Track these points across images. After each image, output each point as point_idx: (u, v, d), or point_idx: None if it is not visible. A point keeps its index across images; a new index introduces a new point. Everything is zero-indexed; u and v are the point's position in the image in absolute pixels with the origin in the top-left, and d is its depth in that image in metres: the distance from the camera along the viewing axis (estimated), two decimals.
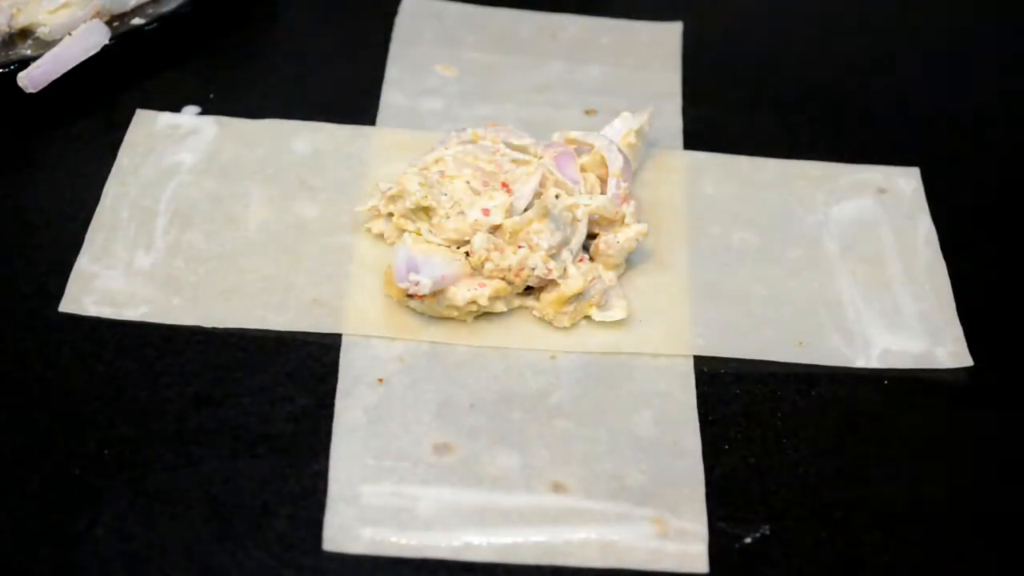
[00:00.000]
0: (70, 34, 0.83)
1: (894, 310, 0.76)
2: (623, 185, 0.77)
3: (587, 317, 0.74)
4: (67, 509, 0.63)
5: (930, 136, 0.88)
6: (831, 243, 0.79)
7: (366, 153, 0.83)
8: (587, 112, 0.87)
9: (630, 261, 0.76)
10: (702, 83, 0.91)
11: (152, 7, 0.88)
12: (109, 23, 0.86)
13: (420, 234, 0.73)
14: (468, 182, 0.75)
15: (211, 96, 0.86)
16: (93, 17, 0.85)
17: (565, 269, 0.73)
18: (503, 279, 0.72)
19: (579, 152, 0.79)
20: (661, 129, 0.86)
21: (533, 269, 0.72)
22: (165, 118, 0.84)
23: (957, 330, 0.75)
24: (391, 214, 0.76)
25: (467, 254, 0.72)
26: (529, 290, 0.74)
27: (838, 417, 0.70)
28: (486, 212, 0.73)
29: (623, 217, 0.76)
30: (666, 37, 0.95)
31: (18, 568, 0.61)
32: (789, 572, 0.64)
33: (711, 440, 0.69)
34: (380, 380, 0.70)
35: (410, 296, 0.71)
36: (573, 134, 0.80)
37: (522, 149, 0.78)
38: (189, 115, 0.85)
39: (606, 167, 0.77)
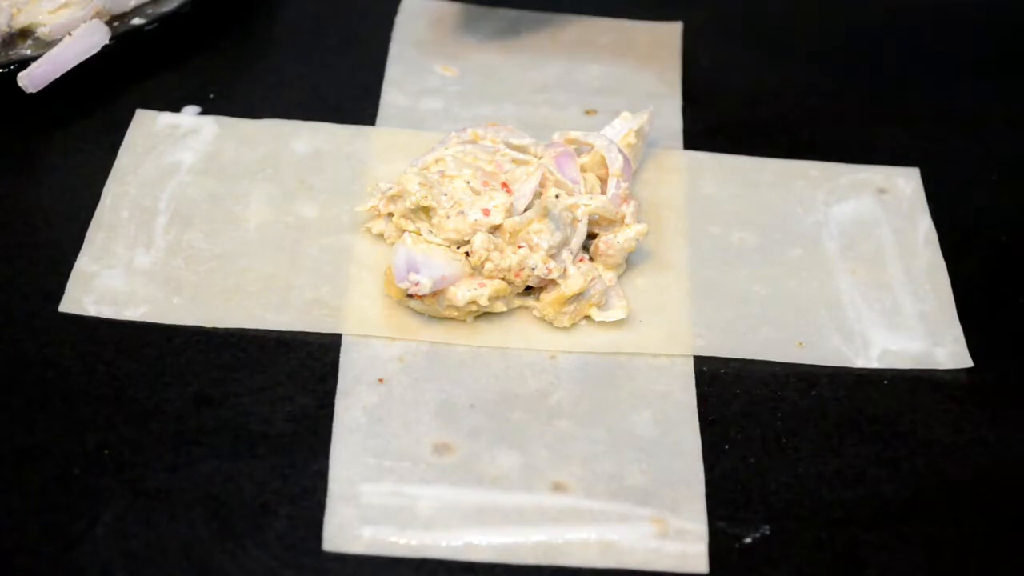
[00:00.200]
0: (70, 34, 0.83)
1: (894, 310, 0.76)
2: (623, 185, 0.77)
3: (587, 317, 0.74)
4: (67, 509, 0.63)
5: (930, 136, 0.88)
6: (831, 243, 0.80)
7: (366, 153, 0.83)
8: (587, 112, 0.87)
9: (630, 261, 0.76)
10: (702, 83, 0.91)
11: (152, 7, 0.88)
12: (109, 23, 0.86)
13: (420, 234, 0.73)
14: (468, 182, 0.75)
15: (211, 96, 0.86)
16: (93, 17, 0.85)
17: (565, 269, 0.73)
18: (503, 279, 0.72)
19: (579, 152, 0.79)
20: (661, 129, 0.86)
21: (533, 269, 0.72)
22: (165, 118, 0.84)
23: (957, 330, 0.75)
24: (391, 214, 0.76)
25: (467, 254, 0.72)
26: (529, 290, 0.74)
27: (838, 417, 0.70)
28: (486, 212, 0.73)
29: (623, 217, 0.76)
30: (666, 37, 0.95)
31: (18, 568, 0.61)
32: (789, 572, 0.64)
33: (711, 440, 0.69)
34: (380, 380, 0.70)
35: (410, 296, 0.71)
36: (573, 134, 0.80)
37: (522, 149, 0.78)
38: (189, 115, 0.85)
39: (606, 167, 0.77)
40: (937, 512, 0.67)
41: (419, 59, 0.91)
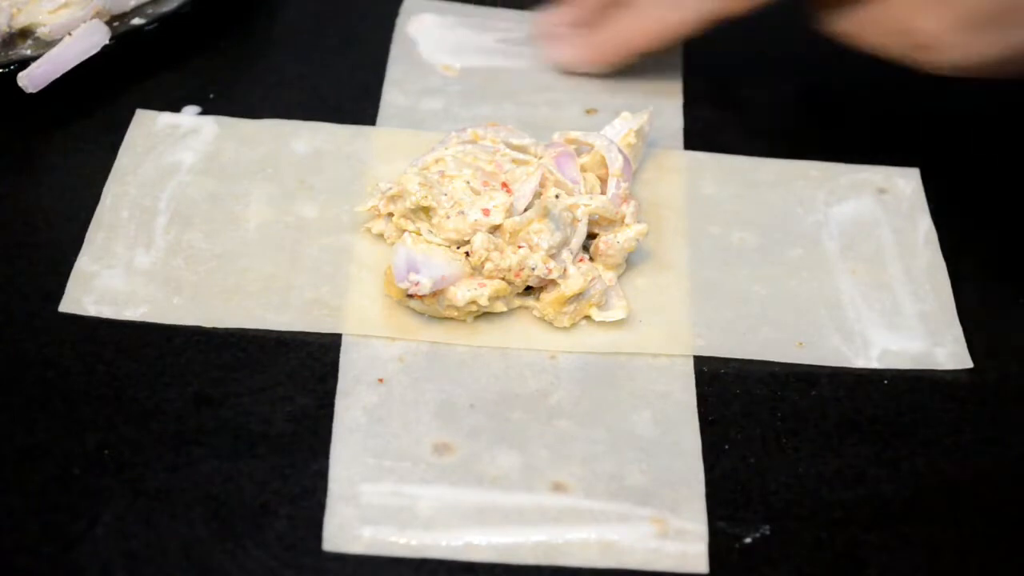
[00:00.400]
0: (70, 34, 0.83)
1: (894, 310, 0.76)
2: (623, 185, 0.77)
3: (587, 317, 0.74)
4: (67, 509, 0.63)
5: (930, 136, 0.88)
6: (831, 243, 0.80)
7: (366, 153, 0.83)
8: (587, 112, 0.87)
9: (630, 261, 0.76)
10: (702, 83, 0.91)
11: (152, 7, 0.88)
12: (109, 23, 0.86)
13: (420, 234, 0.73)
14: (468, 182, 0.75)
15: (211, 96, 0.86)
16: (93, 17, 0.85)
17: (565, 269, 0.73)
18: (503, 279, 0.72)
19: (579, 152, 0.79)
20: (661, 129, 0.86)
21: (533, 269, 0.72)
22: (165, 118, 0.84)
23: (957, 330, 0.75)
24: (391, 214, 0.76)
25: (467, 254, 0.72)
26: (529, 290, 0.74)
27: (838, 417, 0.70)
28: (486, 212, 0.73)
29: (623, 217, 0.76)
30: None
31: (18, 568, 0.61)
32: (789, 572, 0.64)
33: (711, 440, 0.69)
34: (380, 380, 0.70)
35: (410, 296, 0.71)
36: (573, 134, 0.80)
37: (522, 149, 0.78)
38: (189, 115, 0.85)
39: (606, 167, 0.77)
40: (937, 512, 0.67)
41: (419, 59, 0.91)
